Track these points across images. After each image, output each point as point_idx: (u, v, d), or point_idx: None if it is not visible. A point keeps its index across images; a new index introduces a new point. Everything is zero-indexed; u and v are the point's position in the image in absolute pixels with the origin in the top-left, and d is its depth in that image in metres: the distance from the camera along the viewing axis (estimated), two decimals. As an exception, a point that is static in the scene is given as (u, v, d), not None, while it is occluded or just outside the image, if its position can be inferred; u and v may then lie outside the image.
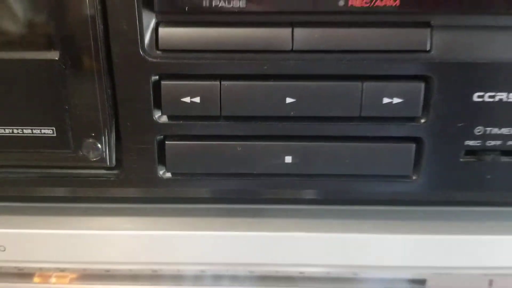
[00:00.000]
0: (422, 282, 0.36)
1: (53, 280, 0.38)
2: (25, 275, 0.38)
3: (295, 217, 0.34)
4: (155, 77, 0.28)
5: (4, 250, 0.34)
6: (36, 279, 0.38)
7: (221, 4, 0.26)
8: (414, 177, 0.30)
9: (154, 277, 0.37)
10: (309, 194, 0.33)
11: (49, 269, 0.37)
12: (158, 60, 0.28)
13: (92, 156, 0.29)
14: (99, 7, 0.26)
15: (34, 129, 0.29)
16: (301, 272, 0.36)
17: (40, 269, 0.37)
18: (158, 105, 0.29)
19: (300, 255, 0.34)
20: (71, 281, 0.38)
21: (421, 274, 0.36)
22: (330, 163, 0.30)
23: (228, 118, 0.29)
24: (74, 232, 0.34)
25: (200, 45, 0.27)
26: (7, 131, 0.29)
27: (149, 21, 0.27)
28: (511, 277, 0.36)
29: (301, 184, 0.31)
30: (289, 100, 0.28)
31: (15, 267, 0.37)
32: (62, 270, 0.37)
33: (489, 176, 0.30)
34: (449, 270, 0.35)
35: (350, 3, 0.26)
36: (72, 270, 0.37)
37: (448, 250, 0.34)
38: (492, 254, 0.34)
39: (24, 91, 0.28)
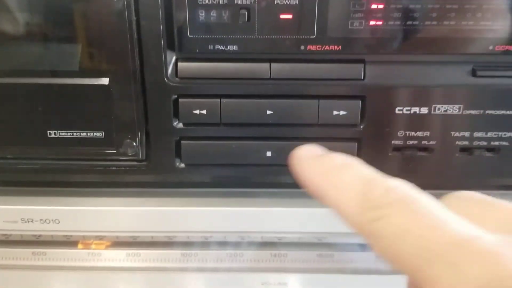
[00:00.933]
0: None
1: (93, 246, 0.47)
2: (71, 242, 0.47)
3: (274, 197, 0.44)
4: (174, 96, 0.38)
5: (59, 223, 0.45)
6: (80, 245, 0.47)
7: (221, 47, 0.37)
8: None
9: (170, 243, 0.47)
10: (284, 179, 0.42)
11: (90, 237, 0.47)
12: (177, 84, 0.38)
13: (129, 152, 0.40)
14: (137, 49, 0.37)
15: (89, 132, 0.39)
16: (279, 238, 0.46)
17: (83, 237, 0.47)
18: (176, 115, 0.39)
19: (279, 225, 0.43)
20: (107, 247, 0.47)
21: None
22: None
23: (226, 124, 0.39)
24: (110, 209, 0.43)
25: (207, 74, 0.38)
26: (69, 134, 0.39)
27: (171, 58, 0.37)
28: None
29: (278, 171, 0.41)
30: (268, 112, 0.38)
31: (64, 236, 0.47)
32: (100, 238, 0.47)
33: (410, 166, 0.40)
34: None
35: (308, 48, 0.37)
36: (108, 238, 0.47)
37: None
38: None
39: (83, 106, 0.38)
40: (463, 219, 0.23)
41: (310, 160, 0.30)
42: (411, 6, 0.36)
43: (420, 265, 0.21)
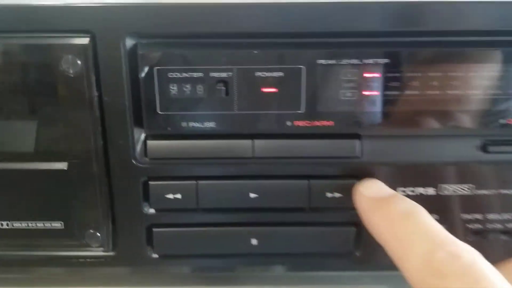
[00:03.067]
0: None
1: None
2: None
3: (263, 283, 0.39)
4: (144, 178, 0.33)
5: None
6: None
7: (197, 125, 0.32)
8: (356, 254, 0.35)
9: None
10: (274, 270, 0.38)
11: None
12: (147, 165, 0.33)
13: (93, 244, 0.34)
14: (99, 128, 0.32)
15: (46, 223, 0.34)
16: None
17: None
18: (146, 200, 0.34)
19: None
20: None
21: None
22: (288, 244, 0.35)
23: (204, 210, 0.34)
24: None
25: (180, 153, 0.33)
26: (23, 224, 0.34)
27: (139, 135, 0.33)
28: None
29: (266, 261, 0.36)
30: (252, 195, 0.34)
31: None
32: None
33: None
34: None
35: (295, 124, 0.32)
36: None
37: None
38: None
39: (39, 192, 0.33)
40: None
41: (374, 202, 0.30)
42: (410, 74, 0.31)
43: None
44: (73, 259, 0.36)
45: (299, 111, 0.32)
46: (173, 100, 0.32)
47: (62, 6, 0.29)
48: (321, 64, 0.30)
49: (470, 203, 0.34)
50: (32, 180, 0.33)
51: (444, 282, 0.23)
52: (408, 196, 0.33)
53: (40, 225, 0.34)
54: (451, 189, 0.33)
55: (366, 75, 0.31)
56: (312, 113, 0.32)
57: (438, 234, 0.27)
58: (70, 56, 0.30)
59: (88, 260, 0.36)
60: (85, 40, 0.30)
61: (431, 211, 0.33)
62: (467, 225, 0.34)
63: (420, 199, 0.33)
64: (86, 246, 0.35)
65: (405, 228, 0.27)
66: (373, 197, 0.31)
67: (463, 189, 0.33)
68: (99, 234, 0.34)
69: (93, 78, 0.31)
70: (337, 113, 0.32)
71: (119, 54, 0.30)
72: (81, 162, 0.33)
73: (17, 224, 0.34)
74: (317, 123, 0.32)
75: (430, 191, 0.33)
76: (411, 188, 0.34)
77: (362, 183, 0.32)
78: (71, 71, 0.30)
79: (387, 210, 0.29)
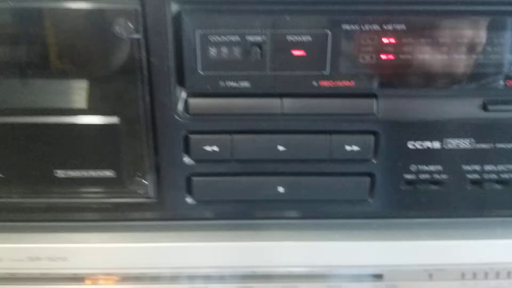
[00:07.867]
0: (380, 276, 0.44)
1: (100, 281, 0.45)
2: (77, 278, 0.44)
3: (284, 230, 0.40)
4: (185, 132, 0.36)
5: (66, 260, 0.41)
6: (87, 281, 0.45)
7: (233, 84, 0.34)
8: (370, 200, 0.38)
9: (179, 277, 0.43)
10: (296, 213, 0.40)
11: (98, 273, 0.44)
12: (188, 121, 0.35)
13: (139, 190, 0.37)
14: (147, 87, 0.34)
15: (97, 171, 0.36)
16: (289, 271, 0.42)
17: (92, 274, 0.44)
18: (187, 152, 0.36)
19: (289, 258, 0.40)
20: (115, 282, 0.44)
21: (379, 270, 0.43)
22: (310, 192, 0.37)
23: (237, 160, 0.36)
24: (119, 245, 0.40)
25: (218, 110, 0.35)
26: (77, 173, 0.36)
27: (181, 94, 0.35)
28: (446, 271, 0.44)
29: (290, 207, 0.39)
30: (280, 147, 0.36)
31: (72, 273, 0.44)
32: (109, 274, 0.43)
33: (423, 200, 0.38)
34: (399, 267, 0.42)
35: (321, 84, 0.34)
36: (116, 274, 0.43)
37: (398, 252, 0.41)
38: (430, 254, 0.41)
39: (93, 144, 0.35)
40: None
41: None
42: (422, 40, 0.33)
43: None
44: (120, 205, 0.38)
45: (325, 72, 0.34)
46: (212, 61, 0.33)
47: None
48: (346, 30, 0.32)
49: (470, 156, 0.36)
50: (87, 133, 0.35)
51: None
52: (416, 149, 0.36)
53: (93, 173, 0.36)
54: (454, 143, 0.36)
55: (384, 40, 0.33)
56: (335, 74, 0.34)
57: None
58: (123, 20, 0.32)
59: (134, 205, 0.38)
60: (136, 5, 0.32)
61: (436, 162, 0.36)
62: (467, 175, 0.37)
63: (427, 152, 0.36)
64: (132, 192, 0.37)
65: None
66: None
67: (464, 143, 0.36)
68: (144, 182, 0.36)
69: (143, 42, 0.33)
70: (357, 74, 0.34)
71: (165, 18, 0.32)
72: (130, 117, 0.35)
73: (71, 173, 0.36)
74: (339, 83, 0.34)
75: (436, 144, 0.36)
76: (420, 142, 0.36)
77: None
78: (124, 34, 0.32)
79: None
